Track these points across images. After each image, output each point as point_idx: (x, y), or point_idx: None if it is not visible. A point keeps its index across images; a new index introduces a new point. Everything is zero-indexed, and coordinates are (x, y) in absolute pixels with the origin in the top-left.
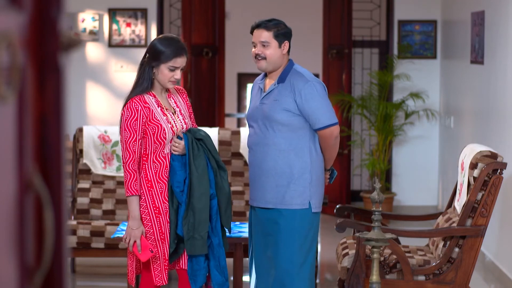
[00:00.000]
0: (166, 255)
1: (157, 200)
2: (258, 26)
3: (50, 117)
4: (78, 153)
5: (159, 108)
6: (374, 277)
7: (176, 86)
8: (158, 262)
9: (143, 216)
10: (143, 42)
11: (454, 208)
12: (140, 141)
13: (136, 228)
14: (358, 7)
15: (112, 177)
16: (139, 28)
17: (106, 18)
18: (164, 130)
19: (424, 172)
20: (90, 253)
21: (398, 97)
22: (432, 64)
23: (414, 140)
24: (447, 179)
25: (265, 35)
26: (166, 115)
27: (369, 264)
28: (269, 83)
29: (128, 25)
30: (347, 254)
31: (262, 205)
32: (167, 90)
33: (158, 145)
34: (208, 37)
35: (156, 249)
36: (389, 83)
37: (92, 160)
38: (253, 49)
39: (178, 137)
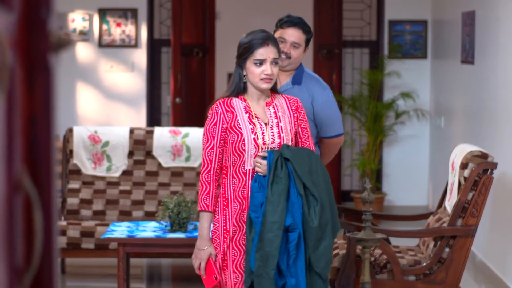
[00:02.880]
0: (227, 284)
1: (229, 222)
2: (295, 24)
3: (40, 117)
4: (68, 154)
5: (247, 114)
6: (365, 277)
7: (288, 96)
8: None
9: (214, 237)
10: (133, 42)
11: (445, 208)
12: (219, 149)
13: (202, 248)
14: (348, 7)
15: (102, 178)
16: (129, 28)
17: (96, 18)
18: (243, 140)
19: (414, 172)
20: (80, 253)
21: (388, 96)
22: (423, 64)
23: (404, 140)
24: (438, 179)
25: (300, 36)
26: (253, 124)
27: (360, 264)
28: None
29: (118, 25)
30: (337, 254)
31: None
32: (270, 96)
33: (237, 157)
34: (198, 37)
35: (223, 276)
36: (380, 82)
37: (82, 160)
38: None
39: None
